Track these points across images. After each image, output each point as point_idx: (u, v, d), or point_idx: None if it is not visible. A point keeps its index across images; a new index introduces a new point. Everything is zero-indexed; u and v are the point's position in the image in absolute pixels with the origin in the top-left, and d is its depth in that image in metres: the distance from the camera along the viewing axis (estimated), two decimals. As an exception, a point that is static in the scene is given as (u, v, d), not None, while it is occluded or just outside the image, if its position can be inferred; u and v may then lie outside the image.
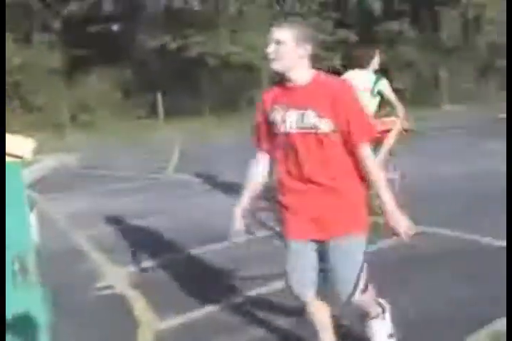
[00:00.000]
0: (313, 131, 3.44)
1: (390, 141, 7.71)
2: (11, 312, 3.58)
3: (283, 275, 3.72)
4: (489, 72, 28.72)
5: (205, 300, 5.18)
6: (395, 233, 3.49)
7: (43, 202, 9.84)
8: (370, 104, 7.60)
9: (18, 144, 3.69)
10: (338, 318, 4.02)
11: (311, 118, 3.43)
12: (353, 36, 27.77)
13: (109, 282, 5.91)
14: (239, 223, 3.75)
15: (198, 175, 11.51)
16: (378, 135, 7.59)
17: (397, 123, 7.70)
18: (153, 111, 26.68)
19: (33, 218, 3.97)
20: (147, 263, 6.40)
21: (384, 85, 7.55)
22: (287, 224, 3.63)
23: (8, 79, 21.12)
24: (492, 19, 28.05)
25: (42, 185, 11.96)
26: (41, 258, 3.88)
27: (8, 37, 22.61)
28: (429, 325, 4.47)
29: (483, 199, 8.21)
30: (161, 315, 4.95)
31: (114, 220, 8.37)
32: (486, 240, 6.36)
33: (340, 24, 28.02)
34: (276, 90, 3.63)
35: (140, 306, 5.20)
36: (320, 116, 3.42)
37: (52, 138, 20.69)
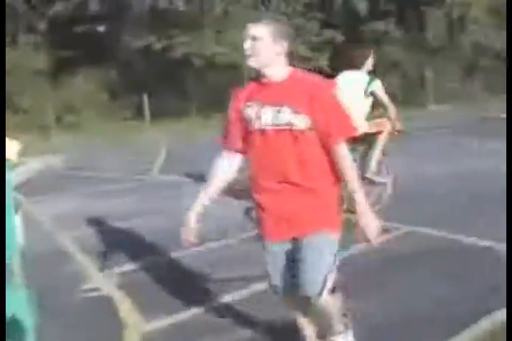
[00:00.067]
0: (288, 127, 3.39)
1: (382, 142, 7.77)
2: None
3: (266, 276, 3.72)
4: (474, 72, 28.85)
5: (191, 301, 5.17)
6: (365, 238, 3.43)
7: (28, 204, 9.80)
8: (364, 105, 7.64)
9: (3, 146, 3.68)
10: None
11: (286, 114, 3.38)
12: (339, 36, 27.82)
13: (95, 284, 5.89)
14: (190, 231, 3.66)
15: (184, 176, 11.47)
16: (370, 136, 7.72)
17: (388, 124, 7.75)
18: (139, 113, 26.62)
19: (18, 220, 3.96)
20: (133, 264, 6.39)
21: (377, 86, 7.59)
22: (264, 224, 3.58)
23: (-7, 81, 21.00)
24: (476, 18, 28.18)
25: (27, 187, 11.92)
26: (26, 260, 3.87)
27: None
28: (410, 325, 4.47)
29: (469, 199, 8.25)
30: (147, 316, 4.94)
31: (100, 222, 8.35)
32: (471, 240, 6.38)
33: (326, 24, 28.05)
34: (251, 86, 3.57)
35: (126, 308, 5.19)
36: (296, 113, 3.36)
37: (37, 139, 20.63)
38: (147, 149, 17.26)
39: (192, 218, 3.65)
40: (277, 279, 3.62)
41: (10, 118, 23.87)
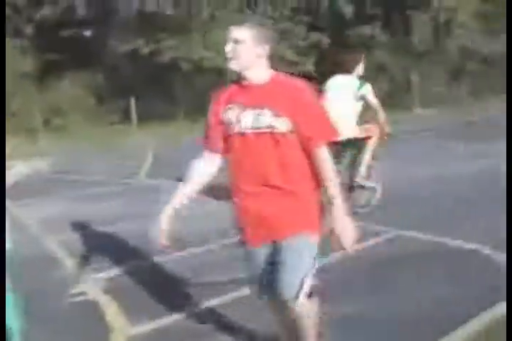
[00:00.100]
0: (269, 130, 3.37)
1: (372, 147, 7.82)
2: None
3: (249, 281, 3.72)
4: (460, 76, 28.95)
5: (174, 306, 5.17)
6: (340, 246, 3.40)
7: (15, 208, 9.77)
8: (354, 109, 7.69)
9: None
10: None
11: (267, 117, 3.36)
12: (325, 39, 27.86)
13: (82, 288, 5.88)
14: (162, 233, 3.62)
15: (171, 180, 11.45)
16: (360, 140, 7.77)
17: (377, 129, 7.81)
18: (126, 116, 26.58)
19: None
20: (118, 269, 6.39)
21: (368, 90, 7.66)
22: (244, 228, 3.56)
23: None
24: (463, 23, 28.29)
25: (14, 190, 11.88)
26: (13, 264, 3.87)
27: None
28: (403, 325, 4.50)
29: (454, 203, 8.28)
30: (133, 320, 4.94)
31: (86, 226, 8.33)
32: (457, 243, 6.41)
33: (312, 28, 28.10)
34: (232, 89, 3.55)
35: (112, 312, 5.19)
36: (277, 115, 3.35)
37: (24, 143, 20.57)
38: (134, 153, 17.23)
39: (164, 220, 3.61)
40: (259, 284, 3.62)
41: (-4, 122, 23.81)
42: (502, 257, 5.81)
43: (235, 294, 5.10)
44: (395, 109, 21.36)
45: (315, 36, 27.83)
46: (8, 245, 3.80)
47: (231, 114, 3.46)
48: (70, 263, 6.76)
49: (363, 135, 7.75)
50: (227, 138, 3.53)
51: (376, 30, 28.31)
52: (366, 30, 28.14)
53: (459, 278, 5.44)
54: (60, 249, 7.38)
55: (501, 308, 4.60)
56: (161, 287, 5.78)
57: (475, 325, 4.41)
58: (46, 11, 27.60)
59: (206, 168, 3.64)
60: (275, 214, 3.42)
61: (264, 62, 3.46)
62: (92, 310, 5.29)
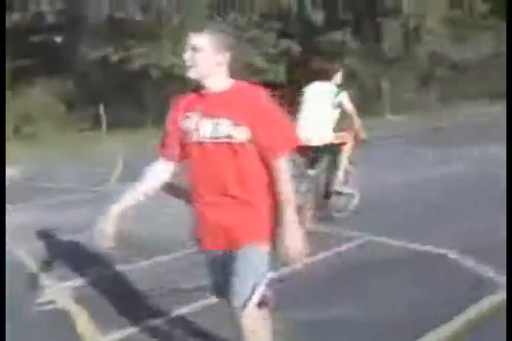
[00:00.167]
0: (227, 140, 3.31)
1: (347, 153, 7.89)
2: None
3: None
4: (429, 82, 29.20)
5: (146, 314, 5.15)
6: (286, 259, 3.34)
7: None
8: (331, 116, 7.76)
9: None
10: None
11: (225, 127, 3.31)
12: (295, 47, 27.96)
13: (51, 297, 5.84)
14: (106, 234, 3.51)
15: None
16: (335, 146, 7.83)
17: (351, 136, 7.88)
18: (96, 124, 26.47)
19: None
20: (88, 277, 6.34)
21: (344, 97, 7.74)
22: (202, 237, 3.52)
23: None
24: (431, 29, 28.55)
25: (-17, 198, 11.77)
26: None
27: None
28: (374, 330, 4.53)
29: (424, 208, 8.35)
30: (103, 329, 4.91)
31: (55, 234, 8.27)
32: (427, 248, 6.46)
33: (282, 35, 28.19)
34: (191, 97, 3.48)
35: (82, 321, 5.15)
36: (235, 125, 3.29)
37: (-7, 150, 20.37)
38: (104, 160, 17.16)
39: (110, 221, 3.52)
40: (219, 292, 3.61)
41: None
42: (470, 262, 5.88)
43: (205, 301, 5.08)
44: (366, 116, 21.48)
45: (285, 43, 27.91)
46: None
47: (189, 123, 3.41)
48: (37, 272, 6.70)
49: (338, 141, 7.82)
50: (184, 146, 3.48)
51: (347, 36, 28.49)
52: (337, 36, 28.30)
53: (428, 282, 5.49)
54: (28, 257, 7.31)
55: (469, 313, 4.66)
56: (130, 295, 5.75)
57: (445, 330, 4.45)
58: (16, 17, 27.43)
59: (159, 174, 3.59)
60: (232, 223, 3.38)
61: (224, 70, 3.40)
62: (62, 319, 5.24)
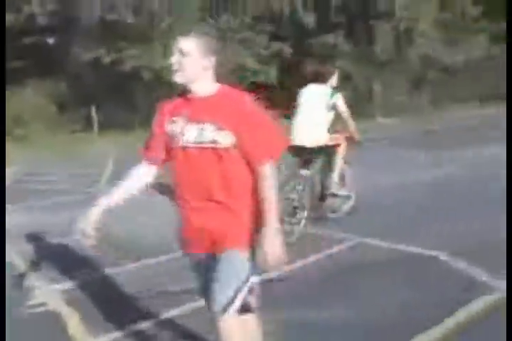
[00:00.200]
0: (211, 145, 3.30)
1: (341, 155, 7.94)
2: None
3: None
4: (421, 85, 29.26)
5: (135, 316, 5.14)
6: (264, 265, 3.30)
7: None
8: (326, 117, 7.81)
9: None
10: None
11: (210, 132, 3.29)
12: (287, 48, 27.98)
13: (42, 299, 5.83)
14: (89, 233, 3.52)
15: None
16: (329, 147, 7.87)
17: (344, 138, 7.93)
18: (88, 125, 26.44)
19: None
20: (78, 279, 6.33)
21: (339, 99, 7.80)
22: (187, 240, 3.51)
23: None
24: (423, 32, 28.61)
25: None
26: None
27: None
28: (365, 332, 4.54)
29: (415, 210, 8.37)
30: (94, 331, 4.91)
31: (48, 235, 8.25)
32: (417, 250, 6.48)
33: (274, 37, 28.21)
34: (177, 102, 3.47)
35: (73, 323, 5.14)
36: (220, 129, 3.27)
37: (-15, 152, 20.32)
38: (96, 161, 17.14)
39: (90, 220, 3.54)
40: (203, 295, 3.61)
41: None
42: (461, 264, 5.90)
43: (193, 304, 5.08)
44: (358, 118, 21.51)
45: (277, 45, 27.93)
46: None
47: (175, 127, 3.39)
48: (29, 274, 6.68)
49: (332, 143, 7.87)
50: (170, 150, 3.46)
51: (339, 39, 28.50)
52: (329, 39, 28.31)
53: (419, 284, 5.50)
54: (19, 259, 7.29)
55: (460, 316, 4.68)
56: (119, 298, 5.74)
57: (436, 332, 4.47)
58: (9, 18, 27.36)
59: (141, 177, 3.60)
60: (216, 228, 3.36)
61: (210, 75, 3.38)
62: (53, 322, 5.23)
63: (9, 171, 16.24)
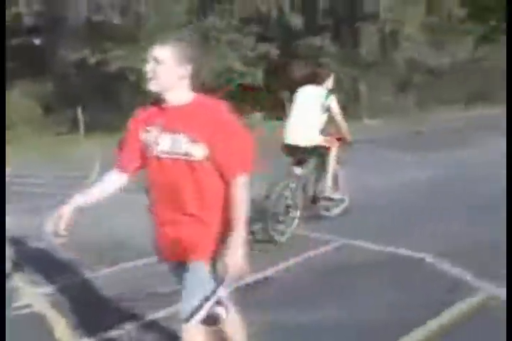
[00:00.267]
0: (185, 157, 3.26)
1: (333, 158, 8.01)
2: None
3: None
4: (407, 87, 29.34)
5: (122, 318, 5.14)
6: (223, 276, 3.28)
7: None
8: (319, 118, 7.89)
9: None
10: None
11: (183, 143, 3.25)
12: (274, 50, 28.00)
13: (27, 301, 5.81)
14: (58, 231, 3.44)
15: (124, 188, 11.36)
16: (322, 149, 7.92)
17: (335, 140, 7.99)
18: (73, 127, 26.36)
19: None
20: (63, 282, 6.31)
21: (333, 100, 7.89)
22: (160, 247, 3.51)
23: None
24: (409, 35, 28.71)
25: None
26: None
27: None
28: (350, 334, 4.56)
29: (402, 212, 8.40)
30: (79, 334, 4.90)
31: (33, 238, 8.21)
32: (405, 252, 6.50)
33: (261, 39, 28.22)
34: (152, 110, 3.43)
35: (59, 326, 5.13)
36: (194, 142, 3.23)
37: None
38: (82, 163, 17.08)
39: (60, 219, 3.45)
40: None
41: None
42: (446, 265, 5.92)
43: (180, 306, 5.09)
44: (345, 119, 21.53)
45: (263, 47, 27.94)
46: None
47: (149, 137, 3.36)
48: (12, 276, 6.66)
49: (325, 144, 7.94)
50: (145, 159, 3.43)
51: (325, 41, 28.55)
52: (315, 41, 28.36)
53: (404, 285, 5.52)
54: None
55: (444, 317, 4.70)
56: (105, 300, 5.73)
57: (418, 334, 4.49)
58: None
59: (111, 184, 3.57)
60: (186, 238, 3.34)
61: (185, 84, 3.33)
62: (38, 324, 5.22)
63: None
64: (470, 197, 9.11)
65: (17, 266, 6.84)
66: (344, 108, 8.05)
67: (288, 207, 7.54)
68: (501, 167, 11.03)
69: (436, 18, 29.58)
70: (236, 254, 3.20)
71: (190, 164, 3.27)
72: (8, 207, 10.98)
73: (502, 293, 5.07)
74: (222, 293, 3.35)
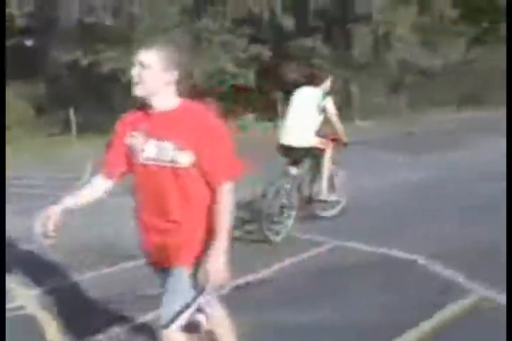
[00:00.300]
0: (171, 164, 3.23)
1: (328, 159, 8.06)
2: None
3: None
4: (399, 88, 29.38)
5: (111, 321, 5.13)
6: (207, 285, 3.21)
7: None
8: (315, 119, 7.95)
9: None
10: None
11: (170, 151, 3.21)
12: (266, 52, 27.99)
13: (19, 303, 5.79)
14: (47, 232, 3.42)
15: (109, 192, 11.35)
16: (317, 150, 7.96)
17: (331, 143, 8.03)
18: (66, 128, 26.31)
19: None
20: (54, 284, 6.30)
21: (329, 102, 7.95)
22: (147, 253, 3.50)
23: None
24: (401, 36, 28.74)
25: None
26: None
27: None
28: (341, 335, 4.56)
29: (394, 213, 8.42)
30: (69, 336, 4.89)
31: (24, 240, 8.19)
32: (397, 253, 6.51)
33: (253, 40, 28.22)
34: (137, 116, 3.38)
35: (50, 328, 5.12)
36: (180, 149, 3.19)
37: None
38: (74, 164, 17.04)
39: (48, 220, 3.42)
40: None
41: None
42: (438, 267, 5.93)
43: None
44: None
45: (255, 48, 27.93)
46: None
47: (135, 142, 3.32)
48: (6, 279, 6.64)
49: (319, 146, 7.99)
50: (129, 164, 3.40)
51: (317, 42, 28.56)
52: (307, 42, 28.37)
53: (397, 287, 5.54)
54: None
55: (436, 319, 4.71)
56: (93, 303, 5.71)
57: (411, 335, 4.50)
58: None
59: (95, 190, 3.55)
60: (170, 245, 3.30)
61: (172, 89, 3.28)
62: (31, 326, 5.21)
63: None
64: (462, 198, 9.14)
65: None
66: (336, 109, 8.07)
67: (283, 207, 7.58)
68: (493, 168, 11.12)
69: (428, 19, 29.62)
70: (217, 262, 3.16)
71: (176, 171, 3.23)
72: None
73: (493, 294, 5.10)
74: (203, 300, 3.30)
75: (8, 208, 11.05)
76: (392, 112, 26.36)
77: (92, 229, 8.38)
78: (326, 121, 8.13)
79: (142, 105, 3.34)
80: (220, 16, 27.55)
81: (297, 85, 8.50)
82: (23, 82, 26.71)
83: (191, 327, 3.32)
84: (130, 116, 3.44)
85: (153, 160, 3.27)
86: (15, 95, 26.69)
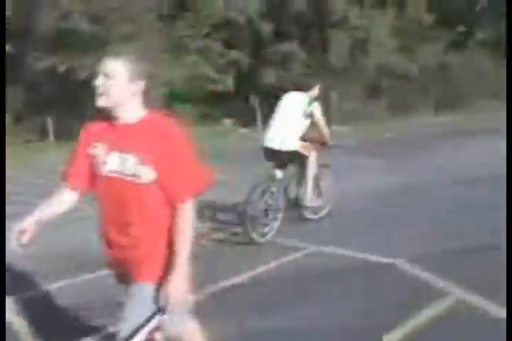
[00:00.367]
0: (132, 178, 3.11)
1: (313, 162, 8.10)
2: None
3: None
4: (377, 93, 29.51)
5: (89, 328, 5.08)
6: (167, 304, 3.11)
7: None
8: (301, 124, 8.03)
9: None
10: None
11: (132, 164, 3.10)
12: (243, 57, 28.04)
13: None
14: (21, 244, 3.33)
15: (86, 199, 11.29)
16: (300, 155, 7.99)
17: (312, 146, 8.18)
18: (43, 134, 26.20)
19: None
20: (31, 291, 6.25)
21: (316, 107, 8.05)
22: (111, 268, 3.46)
23: None
24: (378, 41, 28.87)
25: None
26: None
27: None
28: (329, 338, 4.57)
29: (372, 218, 8.43)
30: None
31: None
32: (375, 258, 6.52)
33: (230, 45, 28.27)
34: (101, 126, 3.25)
35: (25, 335, 5.08)
36: (142, 163, 3.08)
37: None
38: (51, 171, 16.93)
39: (26, 228, 3.33)
40: None
41: None
42: (417, 270, 5.95)
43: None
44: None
45: (233, 54, 27.98)
46: None
47: (98, 153, 3.21)
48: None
49: (303, 150, 8.05)
50: (94, 175, 3.28)
51: (294, 46, 28.61)
52: (285, 47, 28.43)
53: (375, 290, 5.54)
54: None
55: (416, 321, 4.72)
56: (69, 311, 5.66)
57: (389, 338, 4.50)
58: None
59: (61, 204, 3.46)
60: (131, 260, 3.21)
61: (137, 100, 3.16)
62: (6, 332, 5.17)
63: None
64: (440, 202, 9.18)
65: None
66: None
67: (268, 210, 7.62)
68: (472, 172, 11.19)
69: (405, 23, 29.81)
70: (178, 283, 3.08)
71: (137, 186, 3.12)
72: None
73: (470, 297, 5.12)
74: (163, 318, 3.18)
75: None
76: (370, 117, 26.45)
77: (68, 237, 8.33)
78: (313, 125, 8.21)
79: (106, 116, 3.22)
80: (196, 22, 27.56)
81: (284, 90, 8.61)
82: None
83: None
84: (94, 126, 3.31)
85: (116, 172, 3.16)
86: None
